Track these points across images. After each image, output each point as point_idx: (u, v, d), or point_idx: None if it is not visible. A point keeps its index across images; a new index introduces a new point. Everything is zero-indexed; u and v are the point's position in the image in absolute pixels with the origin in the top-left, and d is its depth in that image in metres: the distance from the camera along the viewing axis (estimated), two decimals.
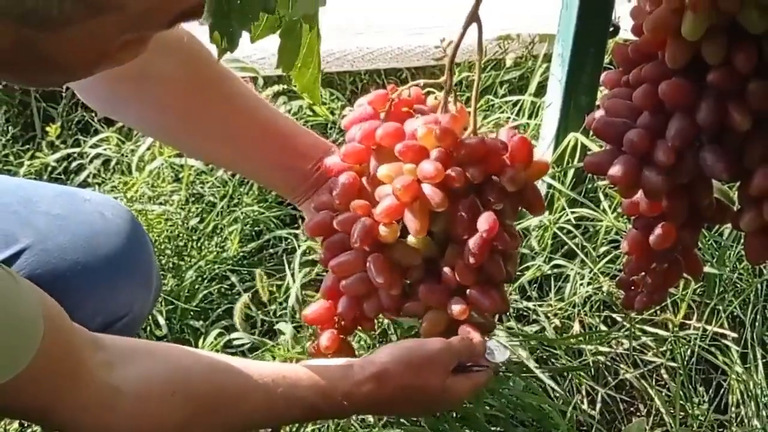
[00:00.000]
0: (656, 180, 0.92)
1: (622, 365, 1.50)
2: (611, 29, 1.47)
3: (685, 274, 1.09)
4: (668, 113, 0.93)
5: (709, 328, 1.52)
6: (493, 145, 1.06)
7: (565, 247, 1.63)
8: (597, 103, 1.59)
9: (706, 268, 1.61)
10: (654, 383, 1.47)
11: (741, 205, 0.96)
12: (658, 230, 0.99)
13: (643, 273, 1.06)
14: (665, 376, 1.47)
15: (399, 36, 2.03)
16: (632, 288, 1.08)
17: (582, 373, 1.47)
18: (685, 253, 1.05)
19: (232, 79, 1.16)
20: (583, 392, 1.45)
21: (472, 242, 1.04)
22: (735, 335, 1.52)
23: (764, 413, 1.44)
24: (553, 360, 1.48)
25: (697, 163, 0.93)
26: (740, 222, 0.95)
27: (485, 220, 1.04)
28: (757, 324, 1.56)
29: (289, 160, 1.17)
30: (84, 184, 1.82)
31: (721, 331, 1.53)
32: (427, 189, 1.04)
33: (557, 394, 1.42)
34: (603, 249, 1.62)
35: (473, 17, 1.28)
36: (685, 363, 1.48)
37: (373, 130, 1.10)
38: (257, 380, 0.99)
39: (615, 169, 0.93)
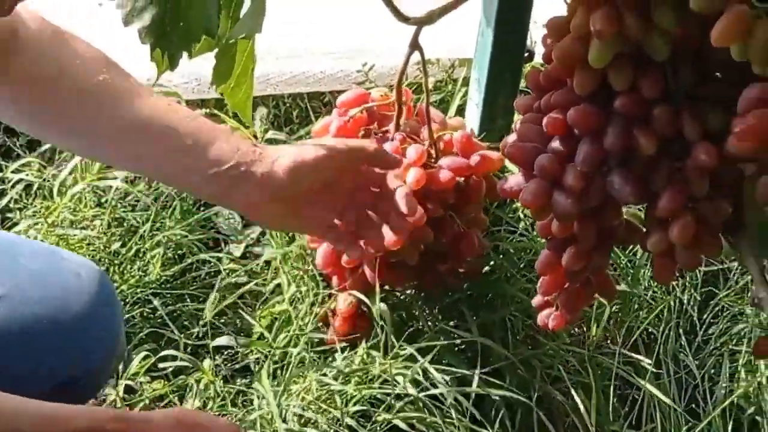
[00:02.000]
0: (566, 203, 0.95)
1: (541, 383, 1.53)
2: (526, 54, 1.51)
3: (598, 295, 1.13)
4: (577, 138, 0.96)
5: (620, 347, 1.55)
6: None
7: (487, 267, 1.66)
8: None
9: (621, 287, 1.65)
10: (570, 400, 1.50)
11: (648, 227, 0.99)
12: (569, 251, 1.02)
13: (556, 293, 1.09)
14: (582, 393, 1.50)
15: (321, 60, 2.05)
16: (547, 308, 1.11)
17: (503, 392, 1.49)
18: (596, 273, 1.08)
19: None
20: (502, 411, 1.48)
21: None
22: (647, 360, 1.56)
23: (671, 429, 1.48)
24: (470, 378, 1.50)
25: (606, 187, 0.96)
26: (647, 243, 0.98)
27: None
28: (669, 340, 1.60)
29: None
30: (5, 210, 1.81)
31: (634, 355, 1.56)
32: None
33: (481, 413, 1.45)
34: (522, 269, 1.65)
35: (415, 45, 1.32)
36: (600, 380, 1.51)
37: None
38: None
39: (526, 194, 0.96)
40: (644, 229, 1.02)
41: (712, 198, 0.96)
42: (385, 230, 1.40)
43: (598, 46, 0.90)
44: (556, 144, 0.96)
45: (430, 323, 1.59)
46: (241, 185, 1.09)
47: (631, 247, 1.70)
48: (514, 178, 1.01)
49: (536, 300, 1.11)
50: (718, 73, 0.96)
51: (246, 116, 1.12)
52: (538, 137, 0.98)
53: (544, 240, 1.06)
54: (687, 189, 0.95)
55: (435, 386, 1.45)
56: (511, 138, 1.03)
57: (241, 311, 1.67)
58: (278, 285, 1.66)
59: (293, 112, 2.10)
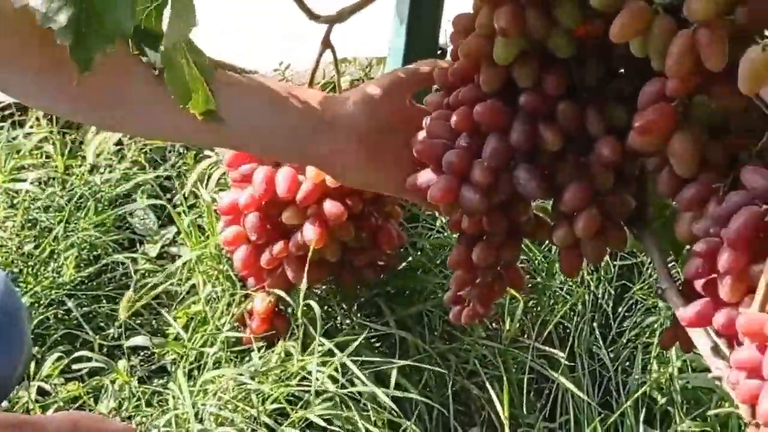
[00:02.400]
0: (474, 199, 0.96)
1: (458, 377, 1.54)
2: (440, 52, 1.52)
3: (510, 288, 1.15)
4: (485, 134, 0.97)
5: (535, 340, 1.57)
6: None
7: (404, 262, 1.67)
8: None
9: (537, 281, 1.67)
10: (486, 393, 1.51)
11: (555, 221, 1.01)
12: (479, 246, 1.04)
13: (468, 288, 1.10)
14: (497, 386, 1.51)
15: (236, 60, 2.04)
16: (459, 303, 1.12)
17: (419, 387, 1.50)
18: (507, 267, 1.10)
19: None
20: (420, 404, 1.49)
21: None
22: (561, 354, 1.58)
23: (584, 421, 1.50)
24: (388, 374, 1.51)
25: (513, 182, 0.97)
26: (554, 237, 1.00)
27: None
28: (584, 334, 1.63)
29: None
30: None
31: (548, 348, 1.58)
32: None
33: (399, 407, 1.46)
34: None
35: (326, 43, 1.32)
36: (515, 374, 1.53)
37: None
38: None
39: (435, 190, 0.97)
40: (552, 224, 1.04)
41: (617, 192, 0.98)
42: (307, 228, 1.41)
43: (502, 43, 0.92)
44: (463, 140, 0.98)
45: (348, 319, 1.60)
46: (324, 133, 1.06)
47: (546, 241, 1.72)
48: (425, 174, 1.01)
49: (448, 295, 1.13)
50: (622, 69, 0.99)
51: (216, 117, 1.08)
52: (446, 134, 1.00)
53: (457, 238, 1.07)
54: (592, 183, 0.97)
55: (353, 382, 1.45)
56: (421, 135, 1.04)
57: (157, 312, 1.66)
58: (194, 285, 1.65)
59: None
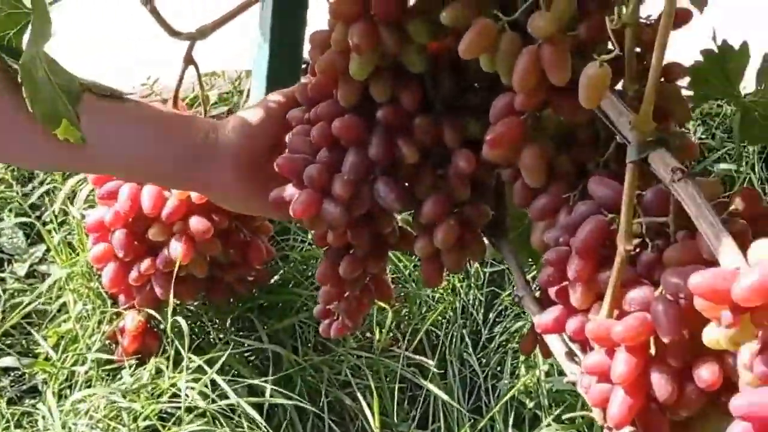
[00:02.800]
0: (335, 212, 0.97)
1: (331, 388, 1.55)
2: (304, 66, 1.53)
3: (378, 300, 1.16)
4: (344, 148, 0.98)
5: (405, 349, 1.59)
6: None
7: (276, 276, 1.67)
8: None
9: (407, 290, 1.69)
10: (359, 403, 1.53)
11: (416, 233, 1.03)
12: (345, 260, 1.04)
13: (337, 302, 1.11)
14: (369, 396, 1.53)
15: (104, 74, 2.02)
16: (328, 316, 1.13)
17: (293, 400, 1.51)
18: (374, 279, 1.11)
19: None
20: (294, 417, 1.49)
21: None
22: (430, 361, 1.60)
23: (454, 427, 1.52)
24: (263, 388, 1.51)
25: (373, 195, 0.98)
26: (415, 248, 1.02)
27: None
28: (454, 341, 1.65)
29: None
30: None
31: (418, 357, 1.60)
32: None
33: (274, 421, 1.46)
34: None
35: (189, 60, 1.32)
36: (387, 383, 1.54)
37: None
38: None
39: (296, 204, 0.97)
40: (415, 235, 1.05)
41: (474, 203, 1.00)
42: (173, 245, 1.40)
43: (357, 60, 0.93)
44: (324, 155, 0.98)
45: (221, 334, 1.60)
46: (204, 161, 1.04)
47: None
48: (288, 189, 1.01)
49: (317, 309, 1.13)
50: (475, 84, 1.01)
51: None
52: (307, 149, 1.00)
53: None
54: (449, 195, 0.99)
55: (227, 397, 1.45)
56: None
57: (27, 331, 1.63)
58: (65, 304, 1.63)
59: None
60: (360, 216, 1.00)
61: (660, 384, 0.77)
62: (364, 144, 0.97)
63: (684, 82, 0.90)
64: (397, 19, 0.92)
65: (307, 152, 1.00)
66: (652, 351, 0.77)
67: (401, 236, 1.08)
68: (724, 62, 0.89)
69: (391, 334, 1.63)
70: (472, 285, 1.79)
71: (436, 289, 1.75)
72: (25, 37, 0.91)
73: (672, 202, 0.80)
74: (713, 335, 0.66)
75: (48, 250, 1.74)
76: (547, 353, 1.02)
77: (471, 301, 1.76)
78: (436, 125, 0.97)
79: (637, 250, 0.80)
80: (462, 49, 0.83)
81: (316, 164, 0.98)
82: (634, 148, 0.77)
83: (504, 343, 1.71)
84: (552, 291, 0.88)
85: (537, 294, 0.98)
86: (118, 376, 1.53)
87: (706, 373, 0.75)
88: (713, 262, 0.75)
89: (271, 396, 1.47)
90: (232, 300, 1.62)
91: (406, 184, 1.00)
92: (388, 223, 1.05)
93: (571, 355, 0.91)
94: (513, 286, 1.80)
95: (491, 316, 1.77)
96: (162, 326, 1.55)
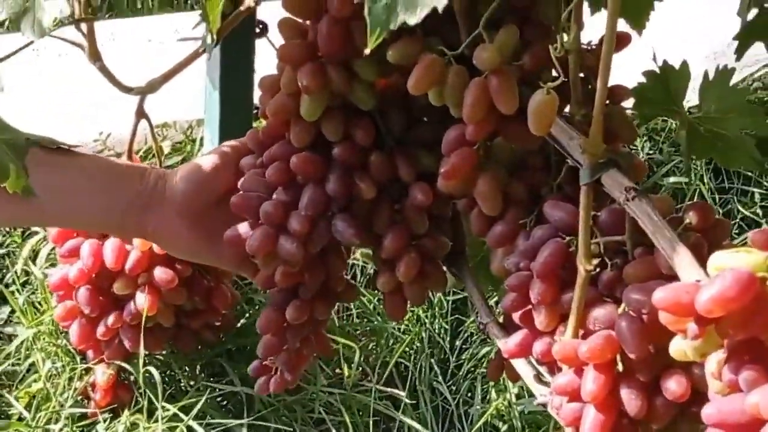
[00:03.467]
0: (291, 248, 0.97)
1: (305, 427, 1.55)
2: (255, 111, 1.53)
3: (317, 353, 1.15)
4: (300, 186, 0.99)
5: (378, 383, 1.60)
6: None
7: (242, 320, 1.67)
8: None
9: (373, 324, 1.70)
10: None
11: (377, 268, 1.04)
12: (292, 305, 1.04)
13: (275, 355, 1.09)
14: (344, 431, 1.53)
15: (54, 129, 2.02)
16: (266, 372, 1.11)
17: None
18: (316, 331, 1.11)
19: None
20: None
21: None
22: (401, 393, 1.61)
23: None
24: None
25: (330, 231, 0.99)
26: (378, 283, 1.03)
27: None
28: (423, 371, 1.66)
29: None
30: None
31: (390, 390, 1.61)
32: None
33: None
34: None
35: (140, 113, 1.33)
36: (360, 417, 1.55)
37: None
38: None
39: (252, 240, 0.98)
40: (358, 288, 1.06)
41: (433, 235, 1.02)
42: (138, 297, 1.40)
43: (307, 100, 0.94)
44: (280, 193, 0.99)
45: (192, 381, 1.60)
46: (151, 210, 1.05)
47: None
48: (242, 227, 1.02)
49: (253, 367, 1.12)
50: (425, 118, 1.02)
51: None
52: (262, 188, 1.01)
53: None
54: (408, 228, 1.00)
55: None
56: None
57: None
58: (33, 363, 1.62)
59: None
60: (315, 255, 1.01)
61: (630, 399, 0.78)
62: (321, 180, 0.98)
63: (628, 103, 0.92)
64: (345, 59, 0.93)
65: (261, 191, 1.01)
66: (620, 367, 0.79)
67: (347, 286, 1.08)
68: (666, 82, 0.91)
69: (360, 369, 1.64)
70: (437, 314, 1.80)
71: (401, 321, 1.76)
72: None
73: (627, 221, 0.82)
74: (680, 347, 0.67)
75: (12, 311, 1.73)
76: (515, 377, 1.03)
77: (437, 330, 1.77)
78: (390, 160, 0.99)
79: (597, 269, 0.82)
80: (411, 85, 0.85)
81: (272, 201, 0.99)
82: (587, 170, 0.79)
83: (472, 369, 1.72)
84: (516, 316, 0.90)
85: (500, 319, 0.99)
86: (93, 431, 1.52)
87: (674, 385, 0.77)
88: (672, 277, 0.77)
89: None
90: (200, 347, 1.61)
91: (364, 220, 1.01)
92: (341, 263, 1.06)
93: (539, 377, 0.92)
94: (477, 314, 1.83)
95: (457, 343, 1.78)
96: (133, 377, 1.55)
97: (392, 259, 1.00)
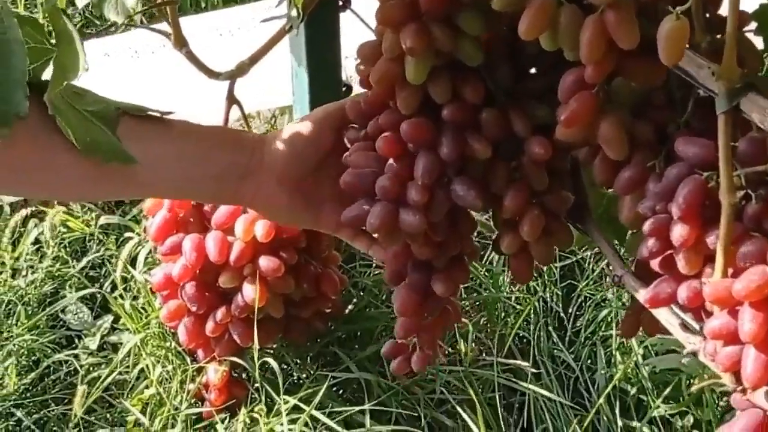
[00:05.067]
0: (413, 220, 0.93)
1: (427, 409, 1.52)
2: (344, 89, 1.51)
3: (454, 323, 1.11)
4: (412, 155, 0.95)
5: (497, 356, 1.56)
6: None
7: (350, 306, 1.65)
8: None
9: (484, 296, 1.66)
10: (459, 419, 1.49)
11: (499, 230, 1.00)
12: (437, 278, 1.00)
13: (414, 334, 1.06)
14: (468, 409, 1.49)
15: None
16: (401, 352, 1.08)
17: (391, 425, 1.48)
18: (451, 302, 1.07)
19: None
20: None
21: None
22: (526, 363, 1.57)
23: (562, 426, 1.48)
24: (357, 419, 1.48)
25: (450, 199, 0.95)
26: (501, 246, 0.98)
27: None
28: (542, 340, 1.61)
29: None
30: None
31: (511, 361, 1.57)
32: None
33: None
34: None
35: (231, 98, 1.30)
36: (482, 393, 1.51)
37: None
38: None
39: (372, 218, 0.94)
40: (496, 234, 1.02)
41: (554, 190, 0.97)
42: (246, 288, 1.38)
43: (413, 63, 0.90)
44: (392, 165, 0.96)
45: (304, 373, 1.57)
46: (248, 178, 1.03)
47: (486, 256, 1.72)
48: (356, 206, 0.98)
49: (387, 348, 1.09)
50: (533, 69, 0.98)
51: None
52: (373, 162, 0.97)
53: None
54: (528, 185, 0.96)
55: None
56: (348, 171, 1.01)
57: (109, 404, 1.61)
58: (142, 370, 1.61)
59: None
60: (445, 222, 0.97)
61: None
62: (434, 146, 0.94)
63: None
64: (447, 15, 0.89)
65: (372, 166, 0.97)
66: None
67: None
68: None
69: (475, 344, 1.60)
70: (547, 282, 1.75)
71: (512, 291, 1.72)
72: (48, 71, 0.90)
73: None
74: None
75: (115, 320, 1.72)
76: (653, 331, 0.99)
77: (549, 298, 1.72)
78: (503, 116, 0.95)
79: (743, 203, 0.77)
80: (523, 31, 0.80)
81: (388, 174, 0.95)
82: (724, 97, 0.74)
83: (590, 335, 1.67)
84: (654, 263, 0.85)
85: None
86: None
87: None
88: None
89: (370, 425, 1.43)
90: (310, 337, 1.59)
91: (481, 181, 0.97)
92: (471, 225, 1.02)
93: (685, 325, 0.87)
94: (587, 276, 1.78)
95: (571, 309, 1.74)
96: (246, 374, 1.53)
97: (514, 219, 0.96)
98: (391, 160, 0.96)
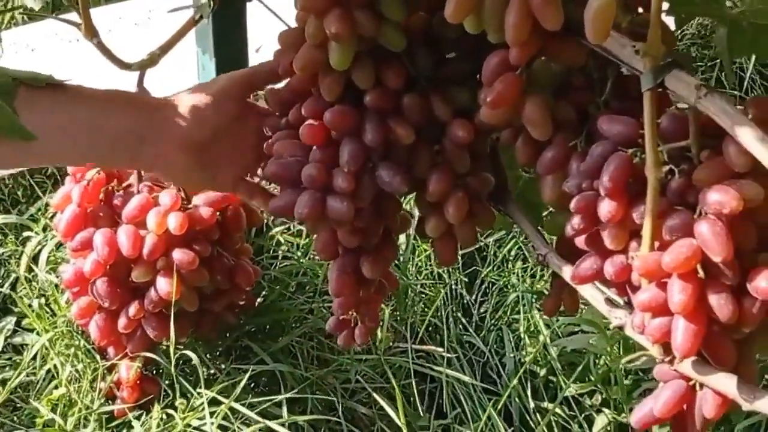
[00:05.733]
0: (341, 207, 0.94)
1: (342, 399, 1.52)
2: None
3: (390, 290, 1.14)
4: (336, 143, 0.96)
5: (413, 342, 1.57)
6: None
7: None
8: None
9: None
10: (376, 407, 1.50)
11: (423, 213, 1.01)
12: (366, 260, 1.02)
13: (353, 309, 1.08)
14: (384, 397, 1.50)
15: None
16: (344, 327, 1.10)
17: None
18: (385, 275, 1.09)
19: None
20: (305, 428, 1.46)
21: None
22: (440, 349, 1.58)
23: (476, 408, 1.51)
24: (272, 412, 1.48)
25: (376, 184, 0.96)
26: (426, 229, 1.00)
27: None
28: (450, 326, 1.63)
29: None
30: None
31: (425, 347, 1.59)
32: None
33: None
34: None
35: (141, 89, 1.28)
36: (397, 380, 1.51)
37: None
38: None
39: (300, 207, 0.95)
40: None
41: (475, 172, 0.99)
42: (159, 282, 1.36)
43: (337, 49, 0.91)
44: (317, 153, 0.96)
45: (214, 368, 1.56)
46: (148, 142, 1.02)
47: None
48: (283, 196, 0.99)
49: (331, 324, 1.10)
50: (453, 53, 0.99)
51: None
52: (297, 151, 0.98)
53: (307, 260, 1.04)
54: (451, 168, 0.97)
55: (246, 425, 1.41)
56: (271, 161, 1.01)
57: (14, 407, 1.57)
58: (49, 370, 1.58)
59: (18, 192, 2.01)
60: (369, 207, 0.98)
61: (719, 305, 0.76)
62: (357, 133, 0.95)
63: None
64: (370, 1, 0.90)
65: (297, 154, 0.98)
66: (701, 274, 0.77)
67: (402, 220, 1.06)
68: None
69: (390, 332, 1.61)
70: (451, 269, 1.78)
71: (418, 279, 1.74)
72: None
73: (691, 123, 0.79)
74: None
75: (17, 321, 1.68)
76: (574, 308, 1.02)
77: (455, 284, 1.74)
78: (424, 101, 0.96)
79: (667, 177, 0.80)
80: (449, 14, 0.81)
81: (314, 163, 0.96)
82: (649, 74, 0.76)
83: (497, 320, 1.70)
84: (579, 240, 0.87)
85: None
86: (125, 430, 1.48)
87: (764, 283, 0.75)
88: (745, 174, 0.75)
89: (288, 416, 1.43)
90: (220, 331, 1.58)
91: (405, 166, 0.98)
92: (396, 205, 1.04)
93: (610, 300, 0.90)
94: (490, 262, 1.81)
95: (475, 296, 1.76)
96: (157, 370, 1.52)
97: (439, 202, 0.97)
98: (315, 148, 0.96)
